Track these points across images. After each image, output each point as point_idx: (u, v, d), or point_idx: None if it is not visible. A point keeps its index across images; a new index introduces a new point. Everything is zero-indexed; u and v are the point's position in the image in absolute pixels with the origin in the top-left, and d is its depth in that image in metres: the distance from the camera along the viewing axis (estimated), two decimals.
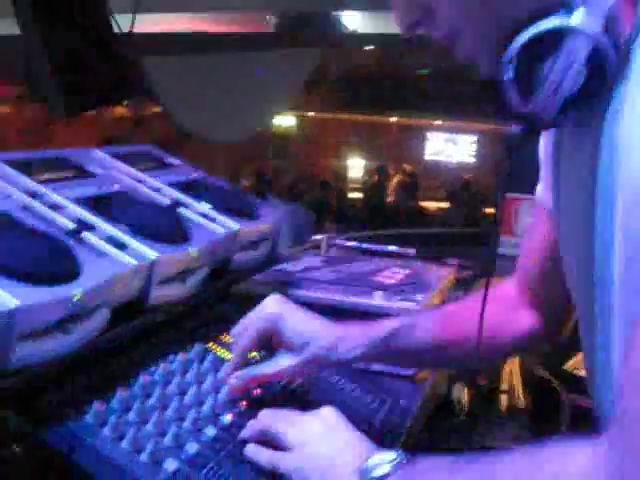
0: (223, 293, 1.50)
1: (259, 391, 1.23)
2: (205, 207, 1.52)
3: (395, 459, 0.93)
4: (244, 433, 1.09)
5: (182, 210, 1.46)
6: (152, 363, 1.18)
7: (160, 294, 1.25)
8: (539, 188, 1.19)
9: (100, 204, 1.33)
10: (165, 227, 1.32)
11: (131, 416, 1.04)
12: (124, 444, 0.98)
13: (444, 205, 10.79)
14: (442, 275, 2.02)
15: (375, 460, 0.93)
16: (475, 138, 14.54)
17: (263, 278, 1.71)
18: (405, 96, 12.01)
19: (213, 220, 1.48)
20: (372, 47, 9.96)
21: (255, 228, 1.58)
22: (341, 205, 9.34)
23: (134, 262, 1.17)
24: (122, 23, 2.74)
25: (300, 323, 1.19)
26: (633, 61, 0.79)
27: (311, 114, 14.84)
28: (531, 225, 1.26)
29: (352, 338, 1.20)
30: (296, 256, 2.11)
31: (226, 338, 1.34)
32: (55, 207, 1.25)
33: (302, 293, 1.71)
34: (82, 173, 1.47)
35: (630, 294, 0.79)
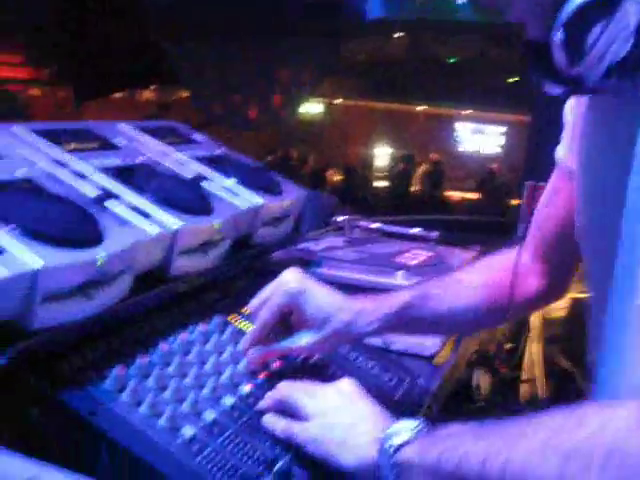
0: (245, 267, 1.50)
1: (278, 364, 1.23)
2: (229, 182, 1.52)
3: (416, 427, 0.92)
4: (262, 403, 1.09)
5: (206, 184, 1.46)
6: (172, 332, 1.18)
7: (182, 264, 1.25)
8: (561, 149, 1.19)
9: (124, 175, 1.33)
10: (188, 199, 1.32)
11: (150, 382, 1.04)
12: (142, 409, 0.99)
13: (470, 195, 10.73)
14: (465, 259, 2.02)
15: (395, 428, 0.93)
16: (504, 129, 14.43)
17: (284, 255, 1.71)
18: (433, 85, 11.94)
19: (236, 195, 1.48)
20: (401, 34, 9.94)
21: (278, 204, 1.58)
22: (366, 193, 9.31)
23: (157, 231, 1.17)
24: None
25: (320, 299, 1.19)
26: None
27: (338, 101, 14.81)
28: (551, 191, 1.25)
29: (369, 312, 1.20)
30: (318, 236, 2.11)
31: (247, 311, 1.35)
32: (80, 176, 1.26)
33: (323, 271, 1.71)
34: (107, 145, 1.48)
35: None
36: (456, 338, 1.81)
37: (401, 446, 0.90)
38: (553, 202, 1.24)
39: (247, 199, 1.47)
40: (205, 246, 1.32)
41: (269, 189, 1.58)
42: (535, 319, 3.48)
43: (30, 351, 0.95)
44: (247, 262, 1.52)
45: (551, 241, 1.27)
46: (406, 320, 1.22)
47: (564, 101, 1.06)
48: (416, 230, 2.32)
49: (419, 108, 14.56)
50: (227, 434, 1.01)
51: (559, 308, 3.44)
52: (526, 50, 0.91)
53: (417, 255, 1.91)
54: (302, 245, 1.88)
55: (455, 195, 11.03)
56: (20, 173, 1.18)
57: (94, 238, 1.05)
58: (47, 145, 1.33)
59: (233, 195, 1.47)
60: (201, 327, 1.23)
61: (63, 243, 0.99)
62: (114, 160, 1.39)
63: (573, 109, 1.12)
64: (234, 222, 1.39)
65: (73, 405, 0.95)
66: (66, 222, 1.04)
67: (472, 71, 11.30)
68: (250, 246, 1.53)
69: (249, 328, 1.29)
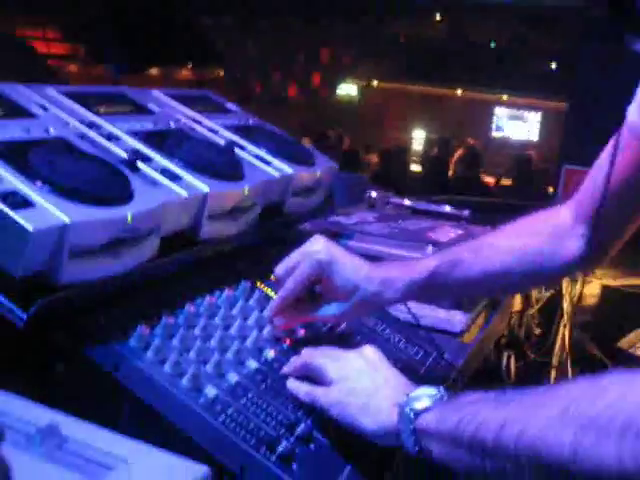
0: (274, 236, 1.50)
1: (303, 332, 1.23)
2: (261, 151, 1.51)
3: (436, 394, 0.92)
4: (286, 368, 1.09)
5: (237, 151, 1.46)
6: (199, 296, 1.18)
7: (211, 229, 1.25)
8: (633, 108, 1.15)
9: (156, 139, 1.33)
10: (219, 164, 1.32)
11: (174, 343, 1.05)
12: (166, 367, 0.99)
13: (505, 181, 10.61)
14: None
15: (416, 394, 0.93)
16: (541, 116, 14.25)
17: (315, 226, 1.70)
18: (472, 69, 11.83)
19: (268, 163, 1.47)
20: (442, 16, 9.84)
21: (309, 174, 1.57)
22: (400, 176, 9.26)
23: (186, 193, 1.17)
24: None
25: (349, 269, 1.18)
26: None
27: (377, 83, 14.72)
28: (614, 151, 1.20)
29: (396, 280, 1.19)
30: (349, 211, 2.10)
31: (274, 279, 1.34)
32: (111, 138, 1.26)
33: (353, 244, 1.70)
34: (140, 109, 1.48)
35: None
36: (485, 318, 1.80)
37: (421, 412, 0.90)
38: (614, 162, 1.19)
39: (278, 168, 1.47)
40: (235, 212, 1.32)
41: (301, 159, 1.57)
42: (567, 305, 3.45)
43: (57, 306, 0.96)
44: (277, 231, 1.51)
45: (602, 204, 1.22)
46: (434, 287, 1.21)
47: None
48: (447, 208, 2.30)
49: (457, 92, 14.42)
50: (250, 396, 1.01)
51: (591, 295, 3.40)
52: (612, 4, 0.88)
53: (448, 232, 1.89)
54: (333, 218, 1.88)
55: (490, 180, 10.91)
56: (53, 132, 1.19)
57: (123, 196, 1.05)
58: (80, 107, 1.34)
59: (265, 163, 1.46)
60: (228, 292, 1.22)
61: (92, 200, 1.00)
62: (146, 124, 1.40)
63: None
64: (264, 189, 1.39)
65: (97, 360, 0.96)
66: (96, 180, 1.04)
67: (511, 56, 11.17)
68: (280, 215, 1.52)
69: (274, 295, 1.29)
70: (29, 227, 0.89)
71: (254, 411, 0.99)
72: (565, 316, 3.44)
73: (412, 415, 0.90)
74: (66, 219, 0.93)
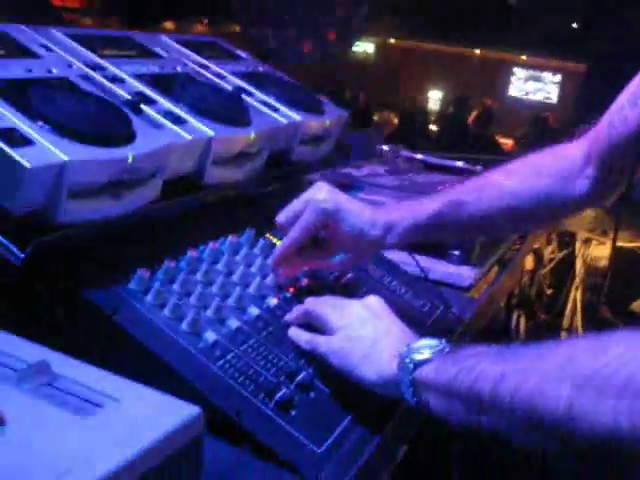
0: (282, 184, 1.47)
1: (307, 281, 1.21)
2: (269, 97, 1.48)
3: (437, 345, 0.90)
4: (288, 316, 1.08)
5: (245, 97, 1.43)
6: (202, 241, 1.16)
7: (216, 174, 1.23)
8: None
9: (162, 82, 1.30)
10: (225, 108, 1.29)
11: (175, 287, 1.03)
12: (166, 311, 0.98)
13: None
14: None
15: (417, 345, 0.90)
16: (559, 78, 14.05)
17: (324, 177, 1.67)
18: (491, 27, 11.63)
19: (276, 110, 1.44)
20: None
21: (318, 122, 1.54)
22: (416, 135, 9.18)
23: (190, 136, 1.14)
24: None
25: (353, 214, 1.16)
26: None
27: (392, 41, 14.55)
28: (636, 92, 1.16)
29: (399, 223, 1.17)
30: (360, 163, 2.07)
31: (279, 227, 1.33)
32: (115, 80, 1.23)
33: (362, 196, 1.67)
34: (146, 53, 1.45)
35: None
36: (495, 274, 1.78)
37: (420, 363, 0.88)
38: (636, 103, 1.16)
39: (286, 115, 1.44)
40: (240, 158, 1.30)
41: (310, 107, 1.54)
42: (579, 267, 3.42)
43: (55, 245, 0.94)
44: (284, 179, 1.49)
45: (618, 145, 1.17)
46: (437, 228, 1.20)
47: None
48: (460, 163, 2.26)
49: (475, 51, 14.22)
50: (250, 342, 1.00)
51: (603, 257, 3.37)
52: None
53: None
54: (343, 170, 1.85)
55: (508, 142, 10.83)
56: (55, 72, 1.16)
57: (125, 137, 1.03)
58: (85, 49, 1.31)
59: (272, 110, 1.43)
60: (232, 238, 1.20)
61: (92, 139, 0.97)
62: (152, 68, 1.37)
63: None
64: (271, 136, 1.36)
65: (96, 302, 0.94)
66: (97, 119, 1.02)
67: (532, 14, 10.96)
68: (288, 164, 1.50)
69: (279, 243, 1.27)
70: (26, 164, 0.87)
71: (254, 357, 0.97)
72: (577, 278, 3.42)
73: (411, 366, 0.88)
74: (64, 157, 0.91)
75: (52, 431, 0.56)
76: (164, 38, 1.59)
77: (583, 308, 3.27)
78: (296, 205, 1.16)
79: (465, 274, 1.59)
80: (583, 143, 1.25)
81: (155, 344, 0.92)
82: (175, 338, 0.94)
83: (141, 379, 0.75)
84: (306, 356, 1.02)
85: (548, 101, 14.17)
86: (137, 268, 1.01)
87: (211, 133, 1.19)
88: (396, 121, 9.34)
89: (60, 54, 1.24)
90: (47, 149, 0.91)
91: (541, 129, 9.69)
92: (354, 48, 14.54)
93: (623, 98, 1.16)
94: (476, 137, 7.57)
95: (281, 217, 1.18)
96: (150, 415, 0.60)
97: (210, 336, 0.96)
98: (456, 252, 1.62)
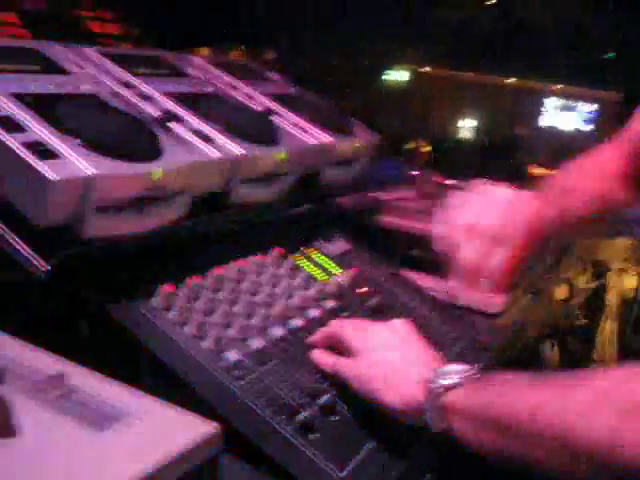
0: (311, 207, 1.46)
1: (333, 303, 1.19)
2: (299, 118, 1.48)
3: (466, 371, 0.87)
4: (312, 338, 1.06)
5: (275, 118, 1.42)
6: (227, 260, 1.15)
7: (244, 193, 1.22)
8: None
9: (191, 101, 1.30)
10: (255, 128, 1.28)
11: (198, 305, 1.02)
12: (188, 329, 0.96)
13: (554, 173, 10.44)
14: None
15: (445, 370, 0.88)
16: (595, 107, 13.97)
17: (352, 200, 1.66)
18: (524, 56, 11.61)
19: (305, 131, 1.44)
20: (493, 1, 9.66)
21: (348, 144, 1.53)
22: (447, 163, 9.17)
23: (218, 154, 1.14)
24: None
25: None
26: None
27: (426, 70, 14.57)
28: None
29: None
30: (390, 188, 2.05)
31: (307, 249, 1.31)
32: (144, 97, 1.24)
33: (389, 219, 1.66)
34: (177, 73, 1.46)
35: None
36: (526, 303, 1.75)
37: (448, 388, 0.85)
38: None
39: (316, 135, 1.43)
40: (269, 178, 1.29)
41: (340, 129, 1.53)
42: (612, 297, 3.36)
43: (81, 259, 0.93)
44: (313, 201, 1.47)
45: None
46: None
47: None
48: None
49: (508, 80, 14.20)
50: (272, 363, 0.98)
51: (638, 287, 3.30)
52: None
53: None
54: (372, 193, 1.83)
55: (539, 172, 10.77)
56: (85, 88, 1.17)
57: (152, 153, 1.03)
58: (116, 67, 1.32)
59: (302, 131, 1.42)
60: (258, 258, 1.19)
61: (119, 154, 0.97)
62: (182, 87, 1.37)
63: None
64: (300, 157, 1.35)
65: (119, 317, 0.93)
66: (124, 135, 1.02)
67: (566, 44, 10.92)
68: (317, 186, 1.48)
69: (306, 265, 1.26)
70: (51, 177, 0.86)
71: (276, 379, 0.95)
72: (608, 309, 3.36)
73: (441, 390, 0.86)
74: (90, 171, 0.91)
75: (65, 444, 0.55)
76: (195, 59, 1.60)
77: (617, 340, 3.20)
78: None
79: (494, 301, 1.56)
80: (627, 146, 1.21)
81: (175, 362, 0.91)
82: (196, 356, 0.92)
83: (161, 397, 0.74)
84: (329, 379, 1.00)
85: (582, 130, 14.07)
86: (161, 285, 1.00)
87: (239, 152, 1.18)
88: (428, 149, 9.34)
89: (91, 71, 1.25)
90: (73, 163, 0.91)
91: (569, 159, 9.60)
92: (387, 76, 14.61)
93: None
94: (509, 166, 7.54)
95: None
96: (167, 431, 0.58)
97: (232, 355, 0.95)
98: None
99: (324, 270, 1.29)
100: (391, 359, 0.94)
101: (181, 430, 0.59)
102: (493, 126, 10.94)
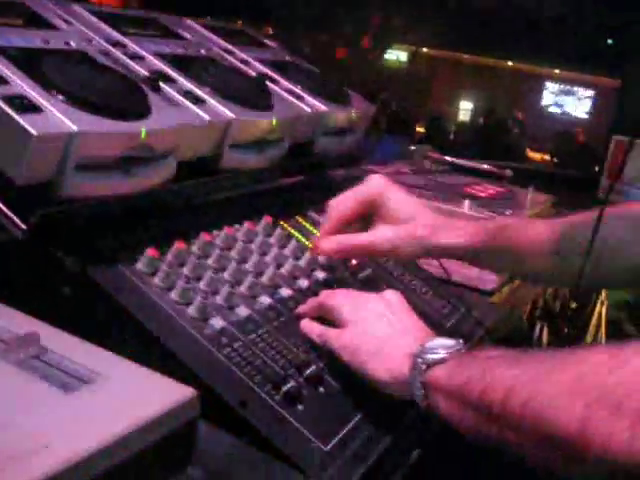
0: (304, 177, 1.43)
1: (324, 274, 1.16)
2: (294, 86, 1.44)
3: (454, 346, 0.84)
4: (301, 307, 1.03)
5: (269, 84, 1.38)
6: (216, 227, 1.12)
7: (234, 158, 1.18)
8: None
9: (183, 63, 1.26)
10: (247, 92, 1.24)
11: (184, 270, 0.99)
12: (173, 295, 0.93)
13: (550, 157, 10.44)
14: (538, 200, 1.90)
15: (432, 344, 0.85)
16: (592, 93, 13.93)
17: (346, 173, 1.63)
18: (524, 40, 11.54)
19: (300, 98, 1.40)
20: None
21: (344, 114, 1.49)
22: (443, 142, 9.13)
23: (209, 117, 1.10)
24: None
25: (405, 201, 1.12)
26: None
27: (425, 50, 14.48)
28: None
29: (457, 226, 1.11)
30: (386, 162, 2.02)
31: (299, 219, 1.28)
32: (135, 57, 1.19)
33: None
34: (171, 35, 1.41)
35: None
36: (520, 282, 1.72)
37: (433, 364, 0.83)
38: None
39: (311, 103, 1.39)
40: (260, 144, 1.25)
41: (335, 98, 1.49)
42: None
43: (61, 219, 0.90)
44: (306, 171, 1.44)
45: None
46: (500, 242, 1.11)
47: None
48: (487, 166, 2.19)
49: (507, 63, 14.12)
50: (260, 332, 0.95)
51: None
52: None
53: (487, 189, 1.81)
54: (367, 167, 1.80)
55: (537, 156, 10.78)
56: (74, 45, 1.13)
57: (139, 112, 0.99)
58: (107, 26, 1.27)
59: (296, 98, 1.39)
60: (248, 225, 1.16)
61: (105, 112, 0.93)
62: (175, 49, 1.33)
63: None
64: (294, 123, 1.31)
65: (100, 281, 0.90)
66: (111, 92, 0.98)
67: (567, 29, 10.86)
68: (311, 155, 1.45)
69: (297, 234, 1.22)
70: (33, 131, 0.83)
71: (262, 348, 0.92)
72: (603, 292, 3.34)
73: (424, 366, 0.83)
74: (73, 127, 0.87)
75: (34, 405, 0.52)
76: (189, 22, 1.55)
77: (607, 323, 3.19)
78: (348, 192, 1.14)
79: (488, 278, 1.54)
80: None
81: (158, 327, 0.87)
82: (180, 322, 0.89)
83: (143, 363, 0.71)
84: (317, 349, 0.97)
85: (580, 116, 14.04)
86: (145, 248, 0.96)
87: (231, 115, 1.14)
88: (422, 128, 9.31)
89: (80, 28, 1.21)
90: (56, 118, 0.87)
91: (571, 145, 9.60)
92: (387, 55, 14.52)
93: None
94: (507, 151, 7.53)
95: (332, 201, 1.15)
96: (141, 394, 0.55)
97: (217, 322, 0.92)
98: None
99: None
100: (381, 330, 0.92)
101: (156, 394, 0.56)
102: (490, 108, 10.88)
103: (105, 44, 1.19)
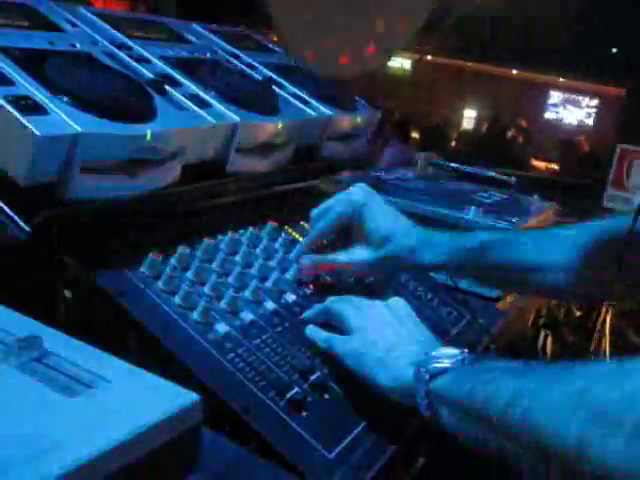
0: (308, 181, 1.42)
1: (330, 280, 1.15)
2: (300, 90, 1.43)
3: (458, 355, 0.83)
4: (307, 313, 1.02)
5: (275, 88, 1.38)
6: (221, 231, 1.11)
7: (240, 162, 1.17)
8: None
9: (189, 66, 1.25)
10: (253, 96, 1.23)
11: (188, 274, 0.98)
12: (176, 299, 0.92)
13: (554, 166, 10.44)
14: (542, 207, 1.89)
15: (437, 353, 0.84)
16: (596, 102, 13.92)
17: (351, 178, 1.62)
18: (529, 48, 11.53)
19: (306, 103, 1.39)
20: None
21: (350, 119, 1.48)
22: (449, 154, 9.13)
23: (214, 120, 1.09)
24: None
25: (384, 216, 1.11)
26: None
27: (429, 58, 14.47)
28: None
29: (438, 243, 1.10)
30: (391, 168, 2.01)
31: (303, 224, 1.27)
32: (141, 60, 1.19)
33: (390, 199, 1.61)
34: (176, 38, 1.41)
35: None
36: None
37: (436, 374, 0.82)
38: None
39: (316, 108, 1.38)
40: (266, 148, 1.24)
41: (341, 103, 1.48)
42: None
43: (64, 221, 0.89)
44: (311, 175, 1.43)
45: None
46: (479, 261, 1.10)
47: None
48: (492, 173, 2.18)
49: (512, 72, 14.11)
50: (264, 337, 0.94)
51: None
52: None
53: (492, 195, 1.80)
54: (372, 173, 1.79)
55: (541, 165, 10.77)
56: (79, 47, 1.12)
57: (145, 114, 0.98)
58: (112, 29, 1.27)
59: (302, 102, 1.38)
60: (252, 230, 1.15)
61: (110, 113, 0.92)
62: (181, 52, 1.32)
63: None
64: (299, 128, 1.31)
65: (104, 284, 0.89)
66: (116, 94, 0.97)
67: (571, 38, 10.84)
68: (317, 160, 1.44)
69: (302, 239, 1.21)
70: (36, 132, 0.82)
71: (267, 353, 0.91)
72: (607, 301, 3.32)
73: (427, 376, 0.82)
74: (78, 129, 0.86)
75: (35, 409, 0.51)
76: (195, 26, 1.55)
77: (612, 332, 3.17)
78: (329, 201, 1.13)
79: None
80: None
81: (162, 331, 0.86)
82: (183, 326, 0.88)
83: (146, 367, 0.70)
84: (322, 356, 0.96)
85: (584, 125, 14.03)
86: (150, 252, 0.95)
87: (236, 119, 1.13)
88: (418, 134, 9.27)
89: (86, 30, 1.20)
90: (61, 119, 0.87)
91: (575, 154, 9.58)
92: (390, 63, 14.51)
93: None
94: (510, 157, 7.51)
95: (314, 212, 1.14)
96: (143, 399, 0.54)
97: (221, 327, 0.91)
98: None
99: None
100: (387, 338, 0.91)
101: (158, 399, 0.54)
102: (494, 116, 10.88)
103: (110, 46, 1.19)
